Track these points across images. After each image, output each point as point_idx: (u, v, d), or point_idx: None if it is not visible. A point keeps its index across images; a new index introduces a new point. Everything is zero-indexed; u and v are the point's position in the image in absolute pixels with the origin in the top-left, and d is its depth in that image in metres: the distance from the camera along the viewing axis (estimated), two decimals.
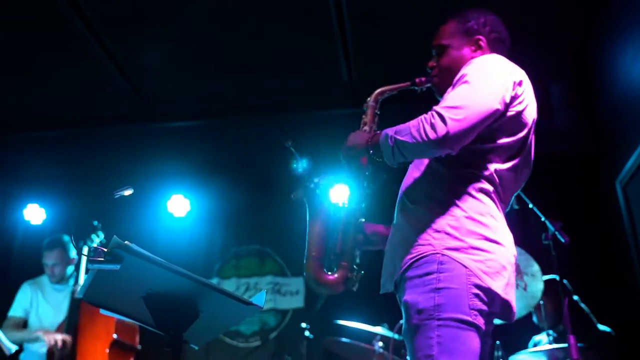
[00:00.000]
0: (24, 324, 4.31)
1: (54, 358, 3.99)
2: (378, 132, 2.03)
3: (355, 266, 2.13)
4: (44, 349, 4.03)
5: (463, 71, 1.92)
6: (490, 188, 1.89)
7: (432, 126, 1.77)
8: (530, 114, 1.97)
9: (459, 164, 1.89)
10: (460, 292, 1.75)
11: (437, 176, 1.92)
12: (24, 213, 5.78)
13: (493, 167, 1.90)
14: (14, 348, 3.31)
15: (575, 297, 3.94)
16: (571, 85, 5.01)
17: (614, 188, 4.35)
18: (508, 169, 1.93)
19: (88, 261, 1.62)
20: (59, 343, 3.95)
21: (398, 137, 1.86)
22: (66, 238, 4.43)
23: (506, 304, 1.87)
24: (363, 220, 2.17)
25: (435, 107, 1.83)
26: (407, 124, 1.87)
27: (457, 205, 1.85)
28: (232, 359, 5.56)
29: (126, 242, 1.58)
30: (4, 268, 5.75)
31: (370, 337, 3.98)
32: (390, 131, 1.91)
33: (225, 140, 5.68)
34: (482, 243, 1.81)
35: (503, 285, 1.82)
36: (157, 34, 4.45)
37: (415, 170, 2.01)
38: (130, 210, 5.60)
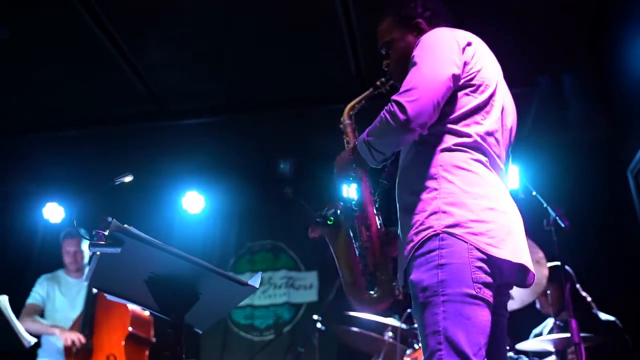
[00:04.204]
0: (41, 312, 4.42)
1: (70, 353, 4.10)
2: (355, 141, 2.12)
3: (395, 275, 2.09)
4: (60, 343, 4.13)
5: (413, 54, 1.97)
6: (480, 156, 1.90)
7: (393, 115, 1.84)
8: (490, 72, 2.00)
9: (439, 141, 1.91)
10: (463, 266, 1.77)
11: (423, 160, 1.92)
12: (43, 212, 5.88)
13: (473, 130, 1.91)
14: (32, 341, 3.37)
15: (577, 285, 3.92)
16: (584, 73, 4.97)
17: (625, 177, 4.33)
18: (489, 128, 1.94)
19: (90, 245, 1.67)
20: (77, 343, 4.05)
21: (369, 138, 1.95)
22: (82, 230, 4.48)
23: (521, 268, 1.87)
24: (384, 229, 2.18)
25: (392, 97, 1.89)
26: (374, 122, 1.94)
27: (450, 181, 1.86)
28: (247, 352, 5.61)
29: (125, 225, 1.64)
30: (24, 266, 5.84)
31: (382, 327, 4.01)
32: (363, 135, 1.99)
33: (239, 137, 5.73)
34: (480, 214, 1.81)
35: (512, 250, 1.82)
36: (169, 32, 4.51)
37: (404, 162, 2.03)
38: (145, 207, 5.70)
